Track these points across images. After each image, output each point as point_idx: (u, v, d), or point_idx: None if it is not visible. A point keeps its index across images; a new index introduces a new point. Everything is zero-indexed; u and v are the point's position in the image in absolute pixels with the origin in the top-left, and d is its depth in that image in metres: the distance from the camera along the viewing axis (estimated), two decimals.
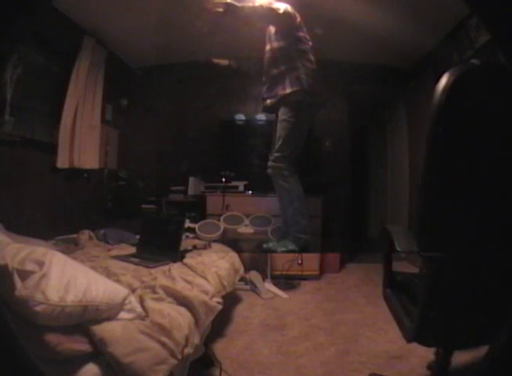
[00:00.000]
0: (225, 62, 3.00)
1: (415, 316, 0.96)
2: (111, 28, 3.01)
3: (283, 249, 2.49)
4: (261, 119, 3.56)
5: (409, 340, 0.99)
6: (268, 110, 2.64)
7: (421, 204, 0.89)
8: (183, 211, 3.31)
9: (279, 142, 2.44)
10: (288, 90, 2.39)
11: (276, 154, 2.46)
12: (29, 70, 2.40)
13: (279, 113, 2.48)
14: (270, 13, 2.26)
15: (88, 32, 2.95)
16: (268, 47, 2.52)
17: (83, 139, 2.90)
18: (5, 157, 2.23)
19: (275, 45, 2.45)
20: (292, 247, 2.48)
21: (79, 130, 2.86)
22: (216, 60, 3.01)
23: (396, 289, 1.20)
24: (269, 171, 2.51)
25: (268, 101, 2.55)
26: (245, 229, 2.88)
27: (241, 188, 3.27)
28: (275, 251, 2.58)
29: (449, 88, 0.76)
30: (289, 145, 2.43)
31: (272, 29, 2.50)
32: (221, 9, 2.14)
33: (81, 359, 0.88)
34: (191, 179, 3.48)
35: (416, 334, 0.96)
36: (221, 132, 3.68)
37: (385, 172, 4.67)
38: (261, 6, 2.23)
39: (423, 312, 0.92)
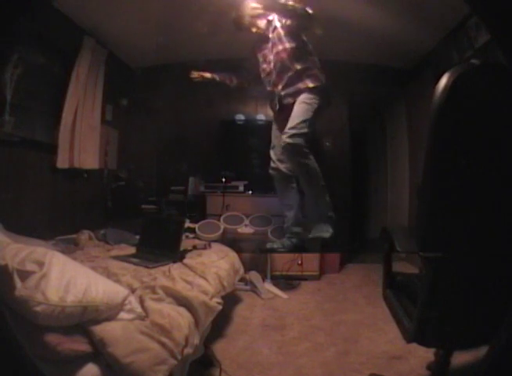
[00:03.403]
0: (207, 75, 2.69)
1: (415, 316, 0.96)
2: (111, 28, 3.01)
3: (327, 235, 2.27)
4: (261, 119, 3.56)
5: (408, 340, 0.99)
6: (284, 105, 2.46)
7: (421, 205, 0.89)
8: (183, 211, 3.31)
9: (297, 120, 2.27)
10: (310, 84, 2.36)
11: (293, 131, 2.25)
12: (29, 70, 2.39)
13: (299, 98, 2.35)
14: (305, 13, 2.23)
15: (88, 32, 2.95)
16: (280, 47, 2.45)
17: (83, 139, 2.90)
18: (5, 157, 2.23)
19: (288, 45, 2.43)
20: (331, 230, 2.27)
21: (79, 130, 2.85)
22: (195, 74, 2.69)
23: (396, 289, 1.20)
24: (284, 149, 2.31)
25: (289, 98, 2.42)
26: (245, 229, 2.88)
27: (241, 188, 3.27)
28: (319, 239, 2.33)
29: (449, 88, 0.76)
30: (307, 123, 2.30)
31: (280, 31, 2.48)
32: (261, 11, 2.23)
33: (81, 360, 0.88)
34: (191, 179, 3.48)
35: (415, 335, 0.96)
36: (221, 132, 3.67)
37: (385, 172, 4.67)
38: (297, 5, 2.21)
39: (422, 313, 0.92)
